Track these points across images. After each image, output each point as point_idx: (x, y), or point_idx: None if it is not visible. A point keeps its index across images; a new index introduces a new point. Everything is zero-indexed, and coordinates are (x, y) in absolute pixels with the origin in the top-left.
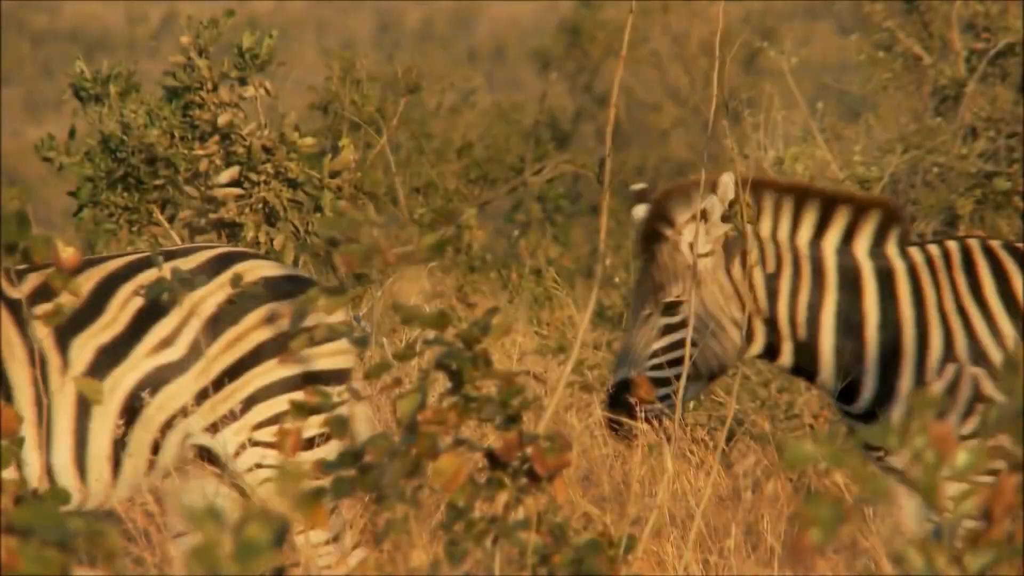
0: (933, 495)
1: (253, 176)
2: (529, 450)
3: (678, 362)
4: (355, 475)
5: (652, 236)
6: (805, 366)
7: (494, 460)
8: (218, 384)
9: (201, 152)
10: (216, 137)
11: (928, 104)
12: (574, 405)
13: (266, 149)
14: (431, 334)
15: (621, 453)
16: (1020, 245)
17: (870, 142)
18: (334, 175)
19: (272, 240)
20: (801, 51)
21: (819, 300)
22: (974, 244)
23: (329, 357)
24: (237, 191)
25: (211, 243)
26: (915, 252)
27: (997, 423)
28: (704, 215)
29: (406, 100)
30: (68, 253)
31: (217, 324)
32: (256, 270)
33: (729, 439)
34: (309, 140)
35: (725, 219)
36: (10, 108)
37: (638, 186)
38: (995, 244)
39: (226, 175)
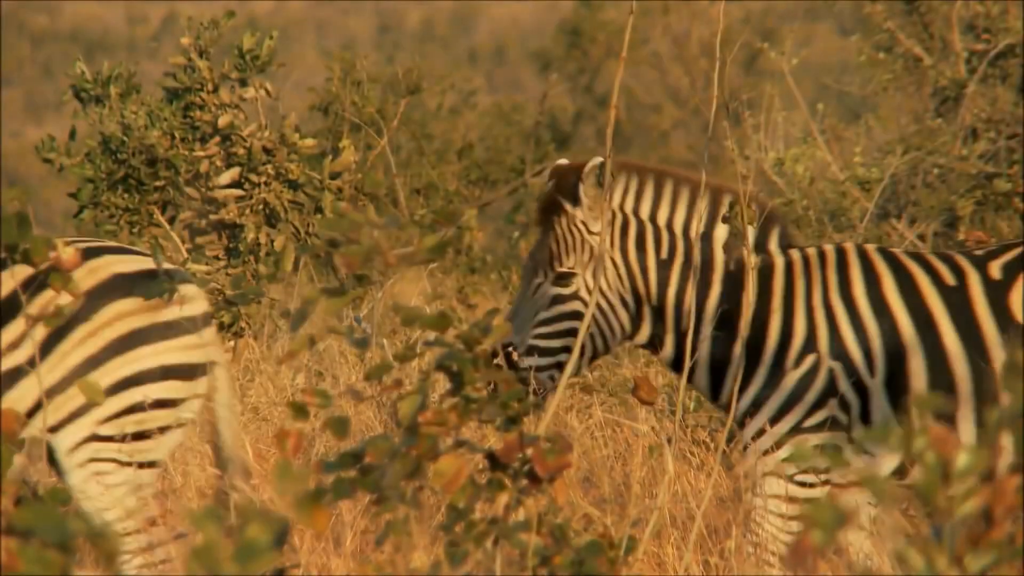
0: (933, 497)
1: (253, 177)
2: (530, 451)
3: (562, 334)
4: (355, 476)
5: (552, 207)
6: (684, 359)
7: (495, 461)
8: (68, 381)
9: (202, 153)
10: (217, 138)
11: (928, 105)
12: (574, 406)
13: (267, 150)
14: (431, 335)
15: (622, 454)
16: (896, 250)
17: (870, 143)
18: (335, 176)
19: (272, 241)
20: (801, 52)
21: (706, 292)
22: (850, 247)
23: (181, 351)
24: (237, 192)
25: (75, 238)
26: (794, 252)
27: (998, 423)
28: (582, 199)
29: (406, 101)
30: (68, 254)
31: (69, 321)
32: (110, 266)
33: (730, 440)
34: (309, 141)
35: (642, 208)
36: (10, 109)
37: (561, 161)
38: (871, 248)
39: (226, 176)
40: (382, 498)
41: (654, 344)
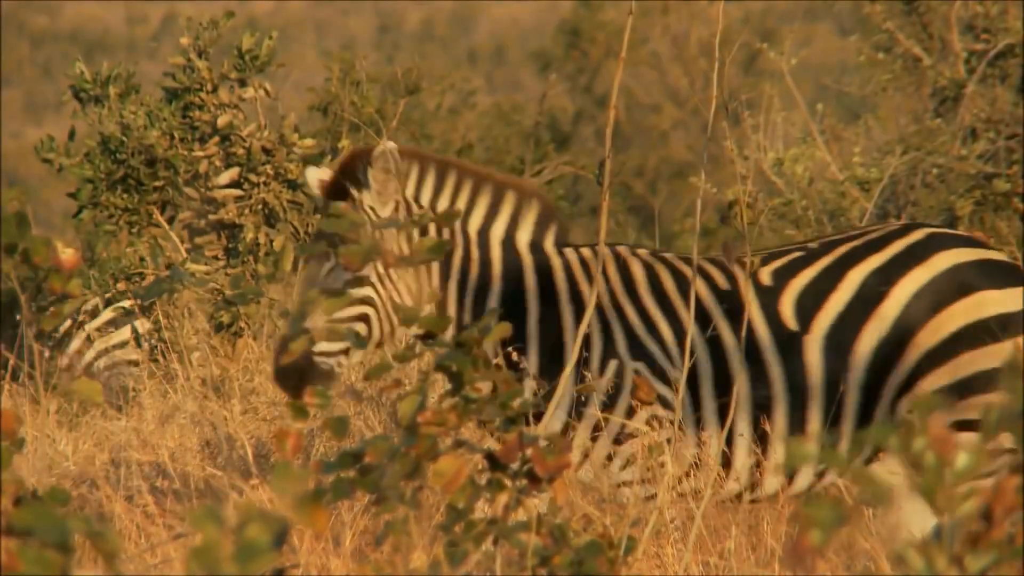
0: (934, 497)
1: (253, 177)
2: (529, 451)
3: (353, 319)
4: (355, 476)
5: (338, 192)
6: None
7: (494, 461)
8: None
9: (201, 153)
10: (216, 138)
11: (928, 105)
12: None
13: (266, 150)
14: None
15: None
16: (670, 254)
17: (870, 143)
18: None
19: (272, 241)
20: (801, 52)
21: (486, 289)
22: (624, 249)
23: None
24: (237, 192)
25: None
26: (570, 252)
27: (997, 424)
28: (371, 184)
29: (406, 101)
30: (68, 255)
31: None
32: None
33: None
34: (309, 141)
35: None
36: (10, 109)
37: (389, 144)
38: (643, 251)
39: (226, 176)
40: (381, 498)
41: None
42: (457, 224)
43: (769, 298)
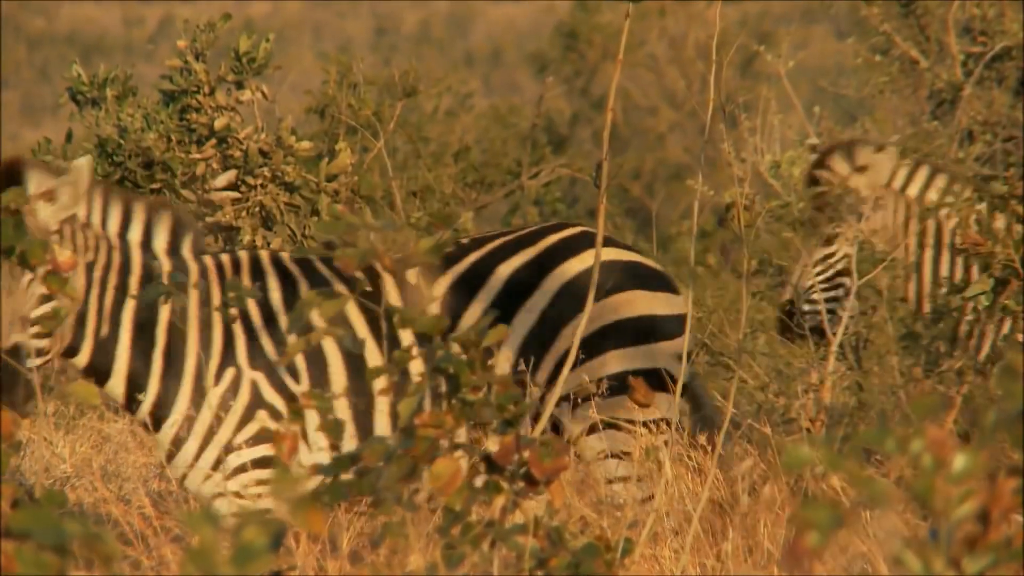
0: (929, 499)
1: (250, 180)
2: (526, 454)
3: (47, 335)
4: (352, 478)
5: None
6: (101, 367)
7: (491, 464)
8: None
9: (198, 156)
10: (213, 141)
11: (925, 108)
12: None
13: (263, 153)
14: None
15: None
16: (285, 254)
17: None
18: (331, 179)
19: (269, 244)
20: (798, 55)
21: (124, 297)
22: (264, 254)
23: None
24: (234, 195)
25: None
26: (208, 259)
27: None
28: (52, 196)
29: (403, 103)
30: (64, 257)
31: None
32: None
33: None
34: (306, 144)
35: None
36: (7, 111)
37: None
38: (284, 255)
39: (223, 179)
40: (378, 500)
41: (75, 350)
42: (98, 229)
43: (416, 296)
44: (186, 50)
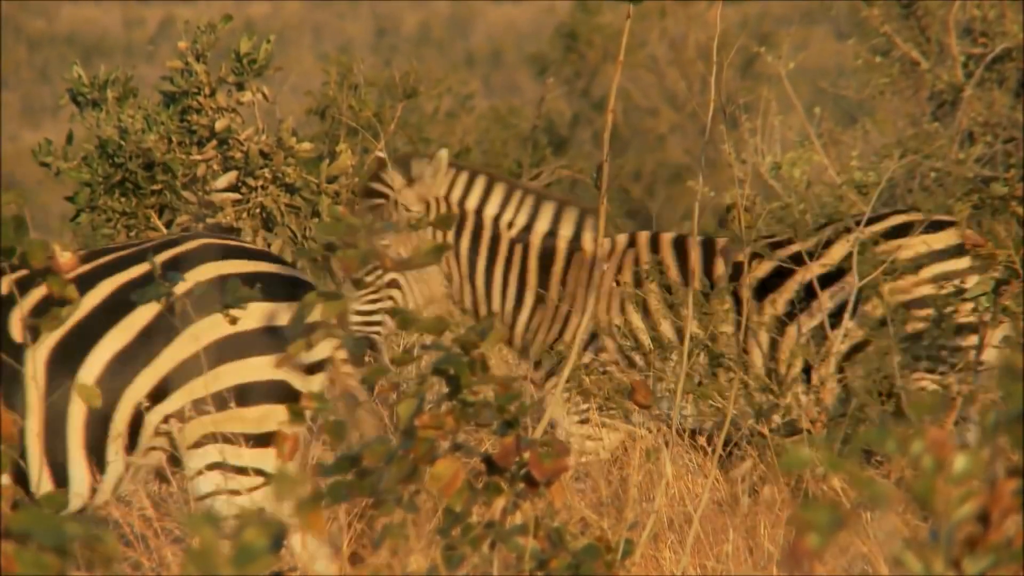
0: (929, 500)
1: (250, 181)
2: (527, 455)
3: None
4: (352, 479)
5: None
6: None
7: (491, 465)
8: None
9: (198, 157)
10: (213, 142)
11: (925, 109)
12: (570, 411)
13: (263, 154)
14: (429, 339)
15: (619, 458)
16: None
17: (867, 147)
18: (331, 180)
19: (270, 245)
20: (798, 56)
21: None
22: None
23: None
24: (234, 196)
25: None
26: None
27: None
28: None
29: (403, 105)
30: (65, 258)
31: None
32: None
33: (726, 444)
34: (306, 145)
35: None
36: (7, 112)
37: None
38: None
39: (223, 180)
40: (379, 501)
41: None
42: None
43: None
44: (187, 51)
